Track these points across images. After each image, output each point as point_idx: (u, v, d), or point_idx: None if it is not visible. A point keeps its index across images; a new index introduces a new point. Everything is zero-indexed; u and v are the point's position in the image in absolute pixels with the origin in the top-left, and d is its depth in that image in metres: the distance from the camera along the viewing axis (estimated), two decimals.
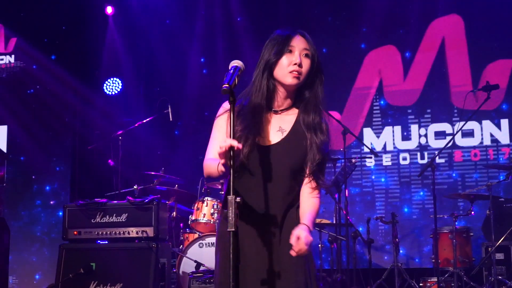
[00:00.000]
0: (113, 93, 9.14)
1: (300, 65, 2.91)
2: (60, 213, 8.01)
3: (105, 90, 9.14)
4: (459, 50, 8.83)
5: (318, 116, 2.97)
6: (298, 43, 2.94)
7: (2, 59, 9.34)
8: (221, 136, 2.94)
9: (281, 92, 2.98)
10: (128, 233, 6.03)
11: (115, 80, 9.15)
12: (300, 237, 2.72)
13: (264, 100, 2.94)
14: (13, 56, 9.36)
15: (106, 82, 9.16)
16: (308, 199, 2.94)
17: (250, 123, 2.89)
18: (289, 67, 2.90)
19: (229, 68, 2.74)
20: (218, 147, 2.63)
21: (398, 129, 9.00)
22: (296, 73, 2.91)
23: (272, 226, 2.90)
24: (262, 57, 2.97)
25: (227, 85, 2.63)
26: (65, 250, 6.07)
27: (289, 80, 2.91)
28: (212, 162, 2.91)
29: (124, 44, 9.35)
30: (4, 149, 8.68)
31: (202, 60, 9.70)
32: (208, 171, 2.98)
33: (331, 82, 8.91)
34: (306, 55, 2.95)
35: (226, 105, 2.97)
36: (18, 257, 8.37)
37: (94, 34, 9.24)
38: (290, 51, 2.92)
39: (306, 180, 2.94)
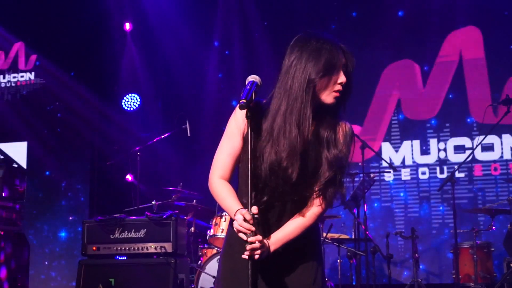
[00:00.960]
0: (132, 109, 9.19)
1: (342, 84, 2.75)
2: (79, 229, 8.04)
3: (124, 106, 9.19)
4: (477, 63, 8.79)
5: (333, 130, 2.82)
6: (341, 58, 2.75)
7: (22, 76, 9.44)
8: (231, 145, 2.86)
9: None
10: (147, 248, 6.04)
11: (134, 96, 9.20)
12: (259, 245, 2.63)
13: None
14: (33, 73, 9.46)
15: (125, 98, 9.21)
16: (300, 214, 2.80)
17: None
18: (334, 86, 2.73)
19: (246, 83, 2.73)
20: (241, 215, 2.61)
21: (417, 143, 8.95)
22: (339, 93, 2.76)
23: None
24: (297, 65, 2.71)
25: (244, 100, 2.62)
26: (84, 266, 6.08)
27: (330, 100, 2.76)
28: (224, 203, 2.85)
29: (142, 60, 9.42)
30: (24, 165, 8.74)
31: (219, 75, 9.73)
32: (215, 197, 2.93)
33: (350, 96, 8.94)
34: (345, 71, 2.77)
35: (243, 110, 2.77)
36: (37, 273, 8.41)
37: (112, 50, 9.31)
38: (335, 69, 2.72)
39: (313, 195, 2.79)
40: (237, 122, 2.84)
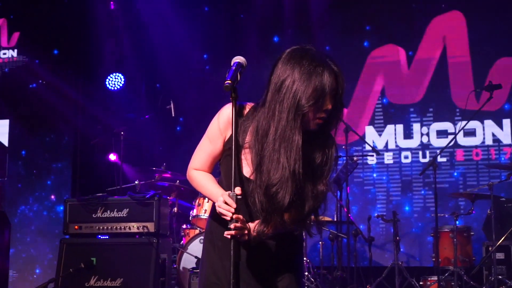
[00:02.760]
0: (116, 88, 9.13)
1: (327, 111, 2.69)
2: (61, 208, 8.02)
3: (108, 86, 9.14)
4: (461, 48, 8.83)
5: (321, 155, 2.77)
6: (332, 83, 2.65)
7: (4, 54, 9.35)
8: (212, 148, 2.89)
9: None
10: (129, 228, 6.04)
11: (118, 76, 9.14)
12: (241, 225, 2.64)
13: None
14: (15, 50, 9.36)
15: (109, 77, 9.15)
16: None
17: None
18: (318, 113, 2.67)
19: (231, 64, 2.73)
20: (222, 198, 2.64)
21: (400, 127, 9.00)
22: (322, 120, 2.71)
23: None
24: (288, 86, 2.64)
25: (229, 82, 2.63)
26: (66, 244, 6.07)
27: (313, 126, 2.71)
28: (205, 190, 2.90)
29: (127, 39, 9.35)
30: (6, 143, 8.68)
31: (204, 56, 9.70)
32: (196, 186, 2.97)
33: None
34: (334, 96, 2.68)
35: (229, 111, 2.80)
36: (18, 252, 8.39)
37: (96, 29, 9.23)
38: (324, 96, 2.64)
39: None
40: (220, 126, 2.85)
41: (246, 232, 2.67)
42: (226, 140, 2.85)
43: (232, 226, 2.61)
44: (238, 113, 2.73)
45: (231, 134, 2.74)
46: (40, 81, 9.21)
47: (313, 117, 2.67)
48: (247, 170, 2.78)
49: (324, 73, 2.63)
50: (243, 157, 2.79)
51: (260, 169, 2.70)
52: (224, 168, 2.89)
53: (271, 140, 2.67)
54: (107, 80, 9.11)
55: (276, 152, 2.66)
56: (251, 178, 2.74)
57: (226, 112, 2.83)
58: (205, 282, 2.91)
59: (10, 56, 9.36)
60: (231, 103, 2.79)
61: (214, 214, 2.90)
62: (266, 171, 2.68)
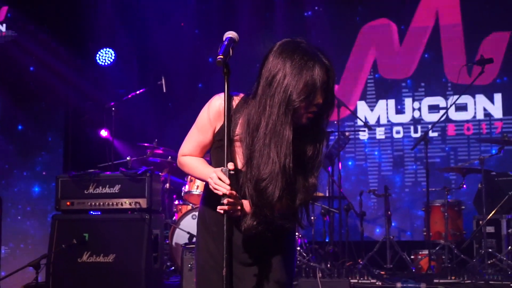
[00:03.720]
0: (106, 63, 9.07)
1: (318, 105, 2.68)
2: (53, 184, 8.00)
3: (98, 61, 9.07)
4: (453, 23, 8.81)
5: (312, 148, 2.76)
6: (323, 76, 2.63)
7: None
8: (202, 138, 2.88)
9: None
10: (121, 204, 6.03)
11: (108, 51, 9.07)
12: (233, 200, 2.64)
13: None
14: (4, 25, 9.26)
15: (99, 52, 9.08)
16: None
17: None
18: (309, 107, 2.66)
19: (224, 39, 2.71)
20: (216, 175, 2.64)
21: (392, 102, 9.01)
22: (312, 114, 2.70)
23: None
24: (279, 81, 2.62)
25: (222, 57, 2.61)
26: (58, 220, 6.06)
27: (303, 121, 2.69)
28: (197, 171, 2.90)
29: (117, 15, 9.27)
30: None
31: (196, 31, 9.63)
32: (187, 171, 2.97)
33: (326, 54, 8.92)
34: (325, 89, 2.66)
35: (219, 102, 2.79)
36: (10, 228, 8.37)
37: (87, 4, 9.14)
38: (315, 90, 2.62)
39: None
40: (211, 117, 2.83)
41: (239, 207, 2.67)
42: (216, 131, 2.84)
43: (225, 201, 2.61)
44: (228, 104, 2.70)
45: (222, 126, 2.75)
46: (30, 56, 9.12)
47: (304, 111, 2.66)
48: (237, 163, 2.78)
49: (315, 68, 2.61)
50: (234, 150, 2.78)
51: (250, 163, 2.69)
52: (214, 159, 2.89)
53: (261, 135, 2.66)
54: (98, 55, 9.04)
55: (266, 147, 2.65)
56: (242, 170, 2.74)
57: (216, 104, 2.81)
58: (203, 265, 2.92)
59: None
60: (221, 94, 2.78)
61: (207, 198, 2.91)
62: (256, 166, 2.67)
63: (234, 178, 2.66)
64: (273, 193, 2.66)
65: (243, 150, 2.73)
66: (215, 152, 2.86)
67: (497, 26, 8.63)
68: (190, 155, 2.94)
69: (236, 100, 2.82)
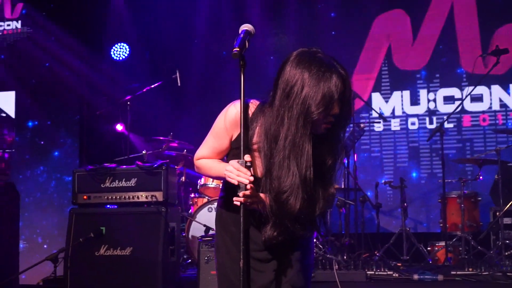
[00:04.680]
0: (121, 58, 9.10)
1: (335, 115, 2.67)
2: (69, 179, 8.05)
3: (112, 56, 9.10)
4: (468, 14, 8.75)
5: (331, 158, 2.76)
6: (340, 87, 2.61)
7: (9, 25, 9.31)
8: (217, 145, 2.89)
9: None
10: (138, 197, 6.05)
11: (122, 46, 9.11)
12: (250, 192, 2.64)
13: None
14: (19, 22, 9.32)
15: (113, 47, 9.11)
16: None
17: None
18: (327, 118, 2.65)
19: (239, 32, 2.71)
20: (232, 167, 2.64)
21: (406, 94, 8.97)
22: (330, 124, 2.69)
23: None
24: (297, 92, 2.60)
25: (238, 49, 2.60)
26: (75, 214, 6.10)
27: (320, 131, 2.69)
28: (213, 169, 2.90)
29: (130, 9, 9.29)
30: (12, 115, 8.69)
31: (209, 24, 9.63)
32: (204, 172, 2.98)
33: (340, 46, 8.91)
34: (342, 99, 2.64)
35: (235, 111, 2.78)
36: (28, 223, 8.45)
37: None
38: (332, 101, 2.61)
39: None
40: (227, 125, 2.83)
41: (256, 199, 2.68)
42: (233, 139, 2.84)
43: (241, 194, 2.61)
44: (244, 112, 2.70)
45: (239, 135, 2.74)
46: (45, 52, 9.17)
47: (321, 121, 2.65)
48: (256, 171, 2.77)
49: (332, 78, 2.60)
50: (252, 158, 2.77)
51: (270, 175, 2.69)
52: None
53: (281, 147, 2.65)
54: (112, 50, 9.08)
55: (286, 159, 2.64)
56: (261, 179, 2.74)
57: (233, 113, 2.80)
58: (223, 263, 2.94)
59: (14, 27, 9.32)
60: (236, 102, 2.78)
61: (225, 199, 2.92)
62: (276, 177, 2.67)
63: (250, 172, 2.66)
64: (294, 204, 2.66)
65: (262, 160, 2.74)
66: (233, 158, 2.82)
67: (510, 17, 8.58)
68: (205, 158, 2.95)
69: (252, 108, 2.81)
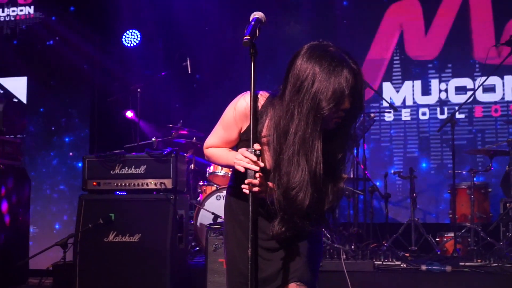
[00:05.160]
0: (132, 45, 9.10)
1: (346, 110, 2.65)
2: (80, 165, 8.08)
3: (124, 42, 9.10)
4: (483, 3, 8.67)
5: (344, 157, 2.79)
6: (351, 81, 2.59)
7: (21, 10, 9.31)
8: (227, 136, 2.90)
9: None
10: (147, 184, 6.07)
11: (134, 32, 9.10)
12: (258, 181, 2.63)
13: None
14: (32, 7, 9.32)
15: (125, 34, 9.11)
16: None
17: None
18: (337, 113, 2.63)
19: (250, 20, 2.69)
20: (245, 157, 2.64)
21: (418, 83, 8.92)
22: (340, 119, 2.67)
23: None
24: (307, 86, 2.59)
25: (248, 37, 2.59)
26: (85, 200, 6.13)
27: (331, 126, 2.67)
28: (222, 158, 2.92)
29: None
30: (24, 100, 8.72)
31: (221, 12, 9.60)
32: (214, 160, 2.99)
33: (352, 34, 8.87)
34: (353, 94, 2.62)
35: (245, 103, 2.78)
36: (38, 208, 8.49)
37: None
38: (343, 97, 2.59)
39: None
40: (236, 117, 2.83)
41: (264, 188, 2.67)
42: (243, 131, 2.85)
43: (246, 181, 2.62)
44: (253, 103, 2.68)
45: (248, 127, 2.74)
46: (57, 37, 9.18)
47: (331, 117, 2.63)
48: (265, 164, 2.76)
49: (343, 73, 2.57)
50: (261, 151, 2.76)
51: (279, 170, 2.68)
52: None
53: (290, 143, 2.64)
54: (123, 37, 9.07)
55: (296, 154, 2.63)
56: (270, 173, 2.73)
57: (243, 105, 2.80)
58: (232, 251, 2.97)
59: (26, 13, 9.33)
60: (246, 94, 2.78)
61: (234, 188, 2.93)
62: (285, 173, 2.66)
63: (259, 158, 2.66)
64: (303, 200, 2.65)
65: (271, 154, 2.73)
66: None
67: None
68: (215, 147, 2.96)
69: (261, 100, 2.80)
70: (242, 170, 2.64)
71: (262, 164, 2.64)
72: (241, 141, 2.88)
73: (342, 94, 2.57)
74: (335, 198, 2.76)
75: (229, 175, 7.11)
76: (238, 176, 2.74)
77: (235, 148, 2.95)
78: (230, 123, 2.86)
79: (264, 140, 2.76)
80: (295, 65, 2.65)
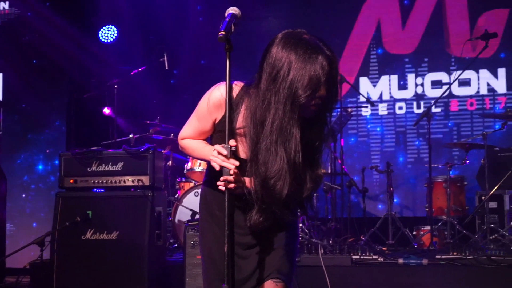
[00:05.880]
0: (109, 40, 9.04)
1: (322, 97, 2.64)
2: (56, 162, 8.03)
3: (101, 38, 9.04)
4: None
5: (321, 144, 2.79)
6: (326, 68, 2.59)
7: None
8: (201, 127, 2.89)
9: None
10: (124, 181, 6.05)
11: (110, 28, 9.04)
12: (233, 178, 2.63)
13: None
14: (7, 2, 9.23)
15: (101, 29, 9.05)
16: None
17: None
18: (314, 100, 2.62)
19: (225, 15, 2.69)
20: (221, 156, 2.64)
21: (394, 78, 8.97)
22: (316, 106, 2.66)
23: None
24: (283, 75, 2.59)
25: (223, 32, 2.58)
26: (62, 198, 6.09)
27: (309, 114, 2.67)
28: (197, 151, 2.92)
29: None
30: (0, 97, 8.64)
31: (198, 7, 9.58)
32: (189, 152, 2.99)
33: (329, 29, 8.89)
34: (329, 81, 2.62)
35: (220, 93, 2.78)
36: (15, 205, 8.43)
37: None
38: (319, 83, 2.58)
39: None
40: (210, 108, 2.82)
41: (240, 184, 2.67)
42: (217, 122, 2.84)
43: (222, 178, 2.61)
44: (229, 83, 2.67)
45: (222, 117, 2.74)
46: (33, 33, 9.09)
47: (308, 104, 2.63)
48: (241, 155, 2.77)
49: (318, 60, 2.58)
50: (237, 142, 2.76)
51: (256, 159, 2.68)
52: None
53: (268, 132, 2.63)
54: (100, 32, 9.01)
55: (274, 144, 2.63)
56: (247, 163, 2.73)
57: (217, 95, 2.79)
58: (210, 248, 2.95)
59: (1, 8, 9.23)
60: (221, 84, 2.78)
61: (209, 182, 2.92)
62: (263, 163, 2.66)
63: (235, 157, 2.66)
64: (281, 190, 2.65)
65: (247, 143, 2.72)
66: (217, 141, 2.82)
67: (499, 3, 8.58)
68: (189, 138, 2.95)
69: (236, 90, 2.79)
70: (218, 168, 2.64)
71: (237, 163, 2.63)
72: (216, 132, 2.87)
73: (318, 81, 2.57)
74: (314, 185, 2.76)
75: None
76: (213, 170, 2.73)
77: (210, 139, 2.95)
78: (204, 114, 2.85)
79: (240, 131, 2.76)
80: (270, 53, 2.65)
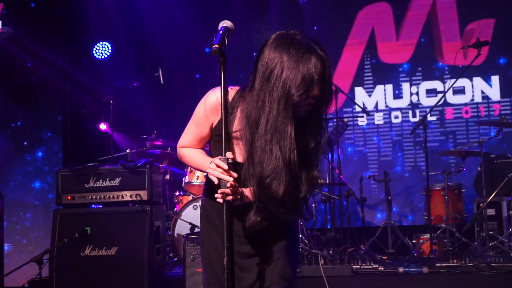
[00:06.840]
0: (103, 57, 9.05)
1: (315, 97, 2.66)
2: (54, 179, 8.01)
3: (95, 55, 9.05)
4: (449, 7, 8.80)
5: (314, 140, 2.76)
6: (319, 68, 2.61)
7: None
8: (199, 132, 2.89)
9: None
10: (122, 197, 6.04)
11: (105, 44, 9.05)
12: (231, 190, 2.64)
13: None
14: (0, 22, 9.24)
15: (96, 46, 9.06)
16: None
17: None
18: (307, 100, 2.64)
19: (219, 29, 2.70)
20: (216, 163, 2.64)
21: (389, 87, 9.00)
22: (310, 106, 2.68)
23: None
24: (277, 75, 2.61)
25: (217, 46, 2.60)
26: (60, 215, 6.08)
27: (302, 114, 2.68)
28: (195, 161, 2.92)
29: (112, 6, 9.23)
30: None
31: (191, 22, 9.60)
32: (186, 162, 3.00)
33: (323, 40, 8.91)
34: (322, 81, 2.64)
35: (215, 97, 2.79)
36: (12, 224, 8.40)
37: None
38: (312, 83, 2.61)
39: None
40: (207, 112, 2.83)
41: (238, 196, 2.67)
42: (214, 126, 2.85)
43: (219, 191, 2.62)
44: (224, 95, 2.69)
45: (219, 121, 2.75)
46: (27, 52, 9.09)
47: (302, 104, 2.64)
48: (238, 158, 2.77)
49: (311, 60, 2.60)
50: (233, 145, 2.78)
51: (252, 159, 2.68)
52: (213, 152, 2.89)
53: (262, 132, 2.64)
54: (94, 49, 9.02)
55: (268, 143, 2.64)
56: (243, 164, 2.73)
57: (213, 99, 2.80)
58: (210, 258, 2.94)
59: None
60: (216, 89, 2.78)
61: (208, 192, 2.91)
62: (258, 162, 2.66)
63: (233, 168, 2.66)
64: (277, 189, 2.65)
65: (244, 146, 2.73)
66: (215, 145, 2.86)
67: (486, 13, 8.64)
68: (188, 147, 2.96)
69: (231, 94, 2.80)
70: (216, 181, 2.64)
71: (235, 175, 2.64)
72: (213, 136, 2.88)
73: (311, 80, 2.59)
74: (310, 186, 2.76)
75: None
76: (211, 180, 2.73)
77: (209, 144, 2.96)
78: (201, 118, 2.85)
79: (236, 134, 2.76)
80: (263, 54, 2.67)
